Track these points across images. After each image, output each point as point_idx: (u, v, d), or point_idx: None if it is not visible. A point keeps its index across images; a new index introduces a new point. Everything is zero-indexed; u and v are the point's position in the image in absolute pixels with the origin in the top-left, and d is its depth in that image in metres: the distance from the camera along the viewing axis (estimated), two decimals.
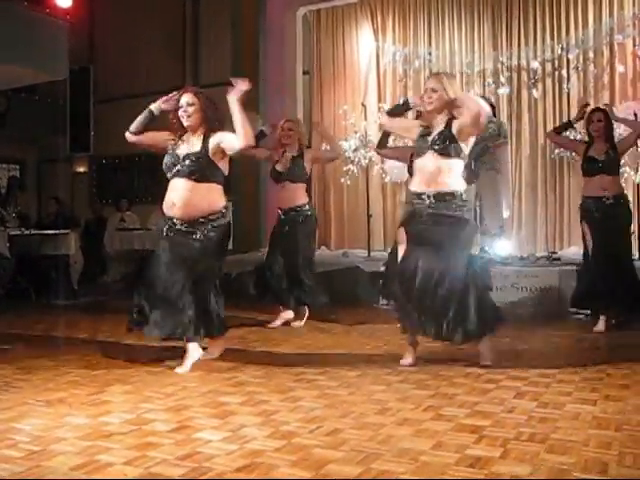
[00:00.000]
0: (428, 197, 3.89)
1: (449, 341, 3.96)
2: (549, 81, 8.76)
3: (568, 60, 8.59)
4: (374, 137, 8.80)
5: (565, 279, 6.30)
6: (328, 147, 6.71)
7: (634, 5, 8.18)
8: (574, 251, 7.86)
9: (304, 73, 9.90)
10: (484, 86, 9.08)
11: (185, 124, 3.99)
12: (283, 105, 9.19)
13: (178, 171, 3.97)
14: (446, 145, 3.84)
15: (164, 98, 4.09)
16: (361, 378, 3.73)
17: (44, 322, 6.14)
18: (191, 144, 4.01)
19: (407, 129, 4.31)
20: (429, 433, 2.67)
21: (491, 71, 9.08)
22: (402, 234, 4.06)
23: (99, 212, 11.17)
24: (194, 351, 3.98)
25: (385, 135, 5.44)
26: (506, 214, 7.89)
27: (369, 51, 9.65)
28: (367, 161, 8.87)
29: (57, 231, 8.04)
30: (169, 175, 4.03)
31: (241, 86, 3.87)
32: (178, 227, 3.98)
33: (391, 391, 3.40)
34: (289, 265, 5.66)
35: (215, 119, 4.00)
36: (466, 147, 3.88)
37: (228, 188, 4.22)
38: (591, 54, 8.46)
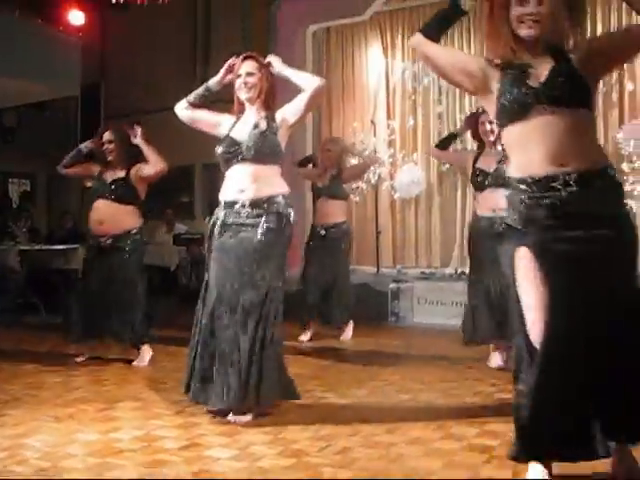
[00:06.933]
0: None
1: None
2: None
3: None
4: (383, 154, 8.82)
5: None
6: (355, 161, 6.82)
7: None
8: None
9: None
10: None
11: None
12: None
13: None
14: None
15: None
16: (369, 396, 3.72)
17: (53, 337, 6.14)
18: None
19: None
20: (439, 453, 2.65)
21: None
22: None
23: None
24: None
25: (451, 136, 5.16)
26: None
27: (378, 68, 9.69)
28: (376, 178, 8.88)
29: (66, 246, 8.07)
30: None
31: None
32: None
33: (400, 410, 3.39)
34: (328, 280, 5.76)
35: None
36: None
37: None
38: None
